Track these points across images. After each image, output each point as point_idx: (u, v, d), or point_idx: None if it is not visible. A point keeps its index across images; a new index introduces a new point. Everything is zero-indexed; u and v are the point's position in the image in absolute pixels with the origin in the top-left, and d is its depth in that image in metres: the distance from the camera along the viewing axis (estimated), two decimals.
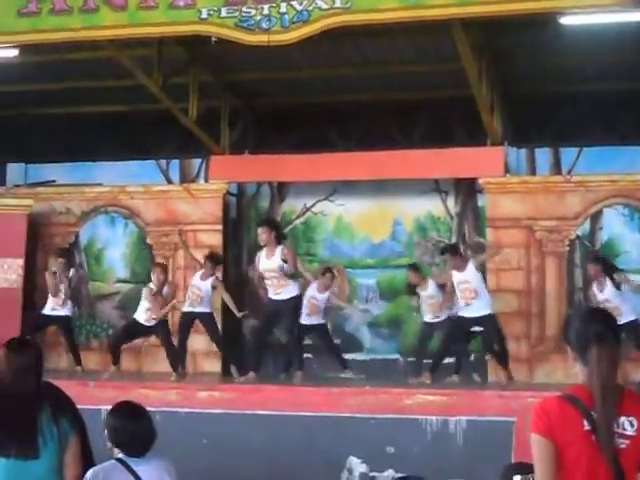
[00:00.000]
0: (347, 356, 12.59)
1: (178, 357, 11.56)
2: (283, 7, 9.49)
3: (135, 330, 11.76)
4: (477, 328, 11.14)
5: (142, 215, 14.17)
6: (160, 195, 14.16)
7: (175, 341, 11.69)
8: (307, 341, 12.13)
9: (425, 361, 11.50)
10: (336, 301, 12.38)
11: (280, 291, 10.44)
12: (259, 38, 9.64)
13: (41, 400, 4.35)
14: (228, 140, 14.14)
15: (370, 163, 13.18)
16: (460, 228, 13.77)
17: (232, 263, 14.26)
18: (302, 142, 14.00)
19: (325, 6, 9.37)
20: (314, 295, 11.81)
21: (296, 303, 10.72)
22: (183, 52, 12.48)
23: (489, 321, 10.58)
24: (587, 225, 12.88)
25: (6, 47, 11.37)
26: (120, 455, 4.69)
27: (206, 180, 14.25)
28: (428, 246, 13.89)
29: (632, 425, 3.39)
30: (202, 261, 11.88)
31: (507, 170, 13.08)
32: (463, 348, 11.63)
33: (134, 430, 4.73)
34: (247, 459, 8.92)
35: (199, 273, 11.83)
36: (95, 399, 8.75)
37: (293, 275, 10.50)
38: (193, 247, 13.17)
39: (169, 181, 14.55)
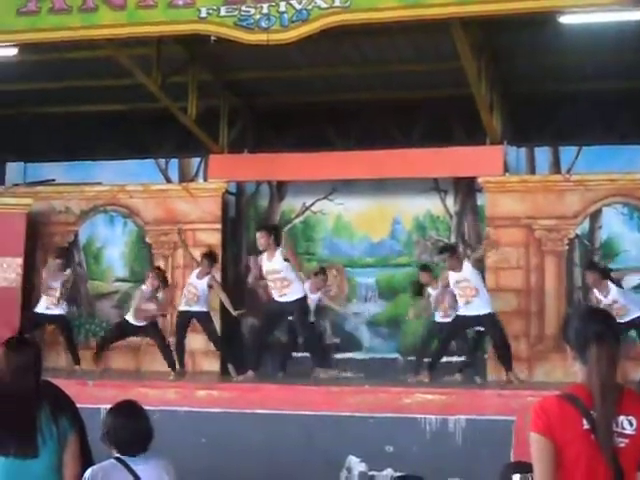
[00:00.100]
0: (346, 355, 12.60)
1: (173, 356, 11.56)
2: (282, 6, 9.49)
3: (126, 329, 11.74)
4: (478, 328, 11.16)
5: (141, 214, 14.17)
6: (159, 194, 14.15)
7: (172, 340, 11.70)
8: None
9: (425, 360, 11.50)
10: (329, 302, 12.38)
11: (285, 292, 10.42)
12: (258, 37, 9.64)
13: (40, 399, 4.35)
14: (227, 139, 14.14)
15: (369, 162, 13.18)
16: (459, 227, 13.77)
17: (231, 262, 14.26)
18: (301, 141, 14.00)
19: (324, 5, 9.37)
20: (307, 294, 11.75)
21: (302, 304, 10.70)
22: (182, 51, 12.48)
23: (490, 320, 10.56)
24: (586, 224, 12.88)
25: (5, 46, 11.36)
26: (119, 454, 4.70)
27: (205, 179, 14.25)
28: (427, 245, 13.89)
29: (631, 424, 3.39)
30: (199, 260, 11.90)
31: (506, 169, 13.08)
32: (468, 347, 11.65)
33: (132, 429, 4.73)
34: (246, 458, 8.92)
35: (196, 272, 11.83)
36: (94, 398, 8.74)
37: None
38: (192, 246, 13.15)
39: (168, 180, 14.54)
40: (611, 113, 12.91)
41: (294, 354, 12.20)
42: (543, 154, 13.39)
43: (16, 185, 14.75)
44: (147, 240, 14.14)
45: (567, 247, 12.87)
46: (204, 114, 13.31)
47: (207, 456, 9.03)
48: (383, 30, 11.13)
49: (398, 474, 8.47)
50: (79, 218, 14.40)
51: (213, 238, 13.69)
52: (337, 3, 9.31)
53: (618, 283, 11.42)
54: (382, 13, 9.37)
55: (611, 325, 3.55)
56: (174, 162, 14.60)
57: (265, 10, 9.53)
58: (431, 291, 11.71)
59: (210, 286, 11.72)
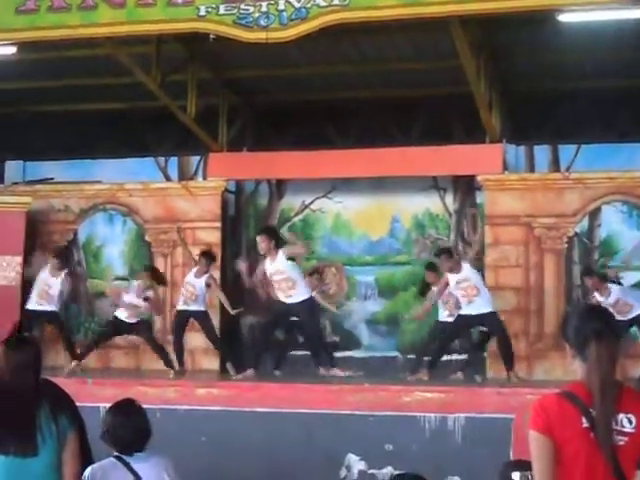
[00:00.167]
0: (346, 353, 12.60)
1: (168, 355, 11.56)
2: (281, 4, 9.49)
3: (119, 327, 11.73)
4: (480, 328, 11.17)
5: (140, 212, 14.17)
6: (158, 192, 14.15)
7: (170, 339, 11.70)
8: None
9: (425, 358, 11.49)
10: (322, 302, 12.37)
11: (291, 293, 10.38)
12: (257, 35, 9.64)
13: (40, 397, 4.35)
14: (226, 137, 14.15)
15: (368, 160, 13.19)
16: (458, 225, 13.78)
17: (230, 260, 14.24)
18: (300, 139, 13.99)
19: (323, 3, 9.38)
20: None
21: (310, 305, 10.64)
22: (181, 49, 12.48)
23: (493, 318, 10.55)
24: (585, 222, 12.89)
25: (4, 44, 11.36)
26: (118, 453, 4.71)
27: (204, 177, 14.25)
28: (426, 243, 13.89)
29: (631, 422, 3.39)
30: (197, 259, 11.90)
31: (506, 167, 13.09)
32: (471, 345, 11.66)
33: (132, 427, 4.74)
34: (246, 456, 8.92)
35: (193, 270, 11.83)
36: (93, 396, 8.74)
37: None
38: (192, 244, 13.16)
39: (167, 178, 14.55)
40: (610, 111, 12.91)
41: (291, 352, 12.20)
42: (542, 152, 13.40)
43: (15, 184, 14.75)
44: (146, 238, 14.14)
45: (566, 245, 12.88)
46: (203, 112, 13.31)
47: (207, 454, 9.03)
48: (382, 28, 11.13)
49: (397, 472, 8.46)
50: (78, 217, 14.39)
51: (212, 236, 13.69)
52: (336, 1, 9.31)
53: (618, 281, 11.44)
54: (381, 11, 9.37)
55: (610, 323, 3.55)
56: (173, 160, 14.60)
57: (264, 8, 9.53)
58: (436, 290, 11.69)
59: (208, 285, 11.71)
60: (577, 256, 12.94)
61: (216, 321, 12.68)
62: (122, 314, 11.47)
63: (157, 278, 11.83)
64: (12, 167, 15.00)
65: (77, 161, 14.74)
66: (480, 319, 10.62)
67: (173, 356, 11.57)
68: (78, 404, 4.60)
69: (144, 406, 4.97)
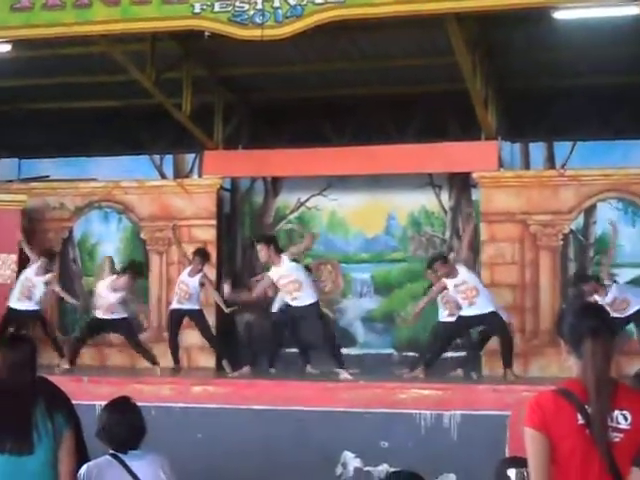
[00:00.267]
0: (341, 351, 12.57)
1: (148, 351, 11.55)
2: (277, 1, 9.48)
3: (97, 325, 11.71)
4: (481, 327, 11.16)
5: (136, 210, 14.15)
6: (154, 190, 14.13)
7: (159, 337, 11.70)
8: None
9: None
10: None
11: (296, 296, 10.36)
12: (252, 33, 9.63)
13: (36, 395, 4.34)
14: (222, 135, 14.13)
15: (364, 158, 13.18)
16: (454, 222, 13.78)
17: (226, 258, 14.25)
18: (296, 137, 13.98)
19: (319, 1, 9.37)
20: None
21: (316, 309, 10.59)
22: (176, 47, 12.46)
23: (494, 318, 10.52)
24: (581, 219, 12.89)
25: None
26: (114, 450, 4.70)
27: (200, 175, 14.23)
28: (422, 240, 13.90)
29: (626, 419, 3.40)
30: (190, 257, 11.90)
31: (501, 164, 13.09)
32: (470, 344, 11.66)
33: (128, 425, 4.74)
34: (242, 453, 8.92)
35: (187, 269, 11.83)
36: (89, 394, 8.75)
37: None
38: (187, 242, 13.16)
39: (163, 176, 14.53)
40: (606, 108, 12.91)
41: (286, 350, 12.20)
42: (538, 149, 13.40)
43: (10, 181, 14.72)
44: (142, 236, 14.13)
45: (562, 242, 12.88)
46: (199, 110, 13.30)
47: (203, 452, 9.04)
48: (378, 25, 11.11)
49: (393, 470, 8.47)
50: (74, 214, 14.38)
51: (208, 234, 13.69)
52: None
53: (613, 279, 11.45)
54: (377, 8, 9.37)
55: (605, 320, 3.56)
56: (169, 158, 14.58)
57: (259, 6, 9.52)
58: (428, 296, 11.65)
59: (202, 284, 11.71)
60: (572, 253, 12.95)
61: (212, 319, 12.68)
62: (98, 312, 11.48)
63: (136, 271, 11.80)
64: (7, 165, 14.97)
65: (72, 159, 14.71)
66: (481, 319, 10.60)
67: (161, 355, 11.59)
68: (74, 402, 4.60)
69: (139, 404, 4.97)
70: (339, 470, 8.93)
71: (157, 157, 14.58)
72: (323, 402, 9.22)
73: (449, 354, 11.46)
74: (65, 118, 14.61)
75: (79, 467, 4.46)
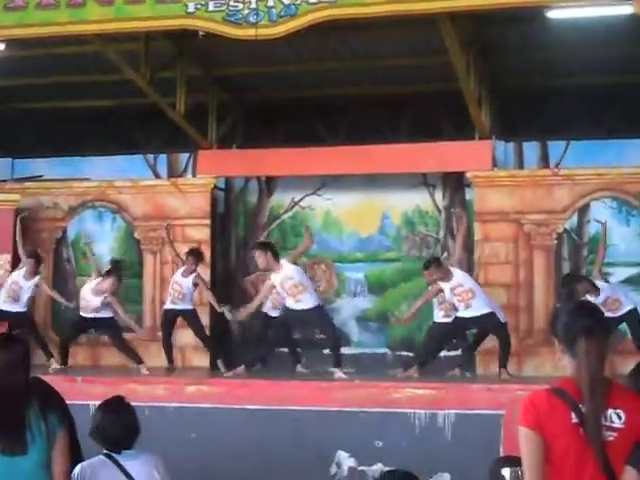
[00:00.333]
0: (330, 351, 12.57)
1: (133, 351, 11.53)
2: (270, 1, 9.47)
3: (81, 324, 11.71)
4: (476, 329, 11.19)
5: (130, 210, 14.13)
6: (148, 190, 14.11)
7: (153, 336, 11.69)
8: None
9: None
10: None
11: (300, 298, 10.39)
12: (247, 32, 9.62)
13: (29, 396, 4.33)
14: (216, 134, 14.12)
15: (358, 157, 13.17)
16: (448, 222, 13.78)
17: (220, 258, 14.24)
18: (290, 136, 13.98)
19: (312, 0, 9.36)
20: (279, 290, 11.65)
21: (319, 312, 10.69)
22: (170, 46, 12.45)
23: (491, 319, 10.53)
24: (575, 218, 12.91)
25: None
26: (108, 450, 4.70)
27: (194, 175, 14.21)
28: (416, 240, 13.90)
29: (620, 417, 3.40)
30: (184, 257, 11.89)
31: (495, 164, 13.09)
32: (467, 345, 11.67)
33: (122, 425, 4.74)
34: (236, 453, 8.92)
35: (181, 270, 11.83)
36: (83, 394, 8.74)
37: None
38: (181, 242, 13.16)
39: (157, 176, 14.50)
40: (599, 108, 12.92)
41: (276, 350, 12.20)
42: (531, 149, 13.40)
43: (4, 181, 14.69)
44: (136, 236, 14.10)
45: (556, 242, 12.89)
46: (193, 109, 13.29)
47: (197, 451, 9.03)
48: (371, 25, 11.11)
49: (388, 469, 8.47)
50: (67, 214, 14.35)
51: (202, 234, 13.67)
52: None
53: (605, 279, 11.47)
54: (370, 8, 9.37)
55: (599, 319, 3.57)
56: (163, 158, 14.56)
57: (253, 5, 9.51)
58: (422, 299, 11.64)
59: (195, 284, 11.71)
60: (567, 252, 12.96)
61: (206, 319, 12.69)
62: (84, 311, 11.48)
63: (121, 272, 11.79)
64: (0, 164, 14.93)
65: (66, 158, 14.67)
66: (477, 321, 10.62)
67: (155, 354, 11.58)
68: (68, 402, 4.59)
69: (133, 403, 4.97)
70: (333, 469, 8.93)
71: (151, 156, 14.55)
72: (317, 402, 9.22)
73: (444, 353, 11.46)
74: (59, 118, 14.59)
75: (73, 467, 4.45)
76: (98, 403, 4.97)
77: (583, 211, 12.87)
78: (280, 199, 14.40)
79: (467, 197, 13.59)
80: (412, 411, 8.90)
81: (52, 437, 4.28)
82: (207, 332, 12.45)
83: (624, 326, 11.35)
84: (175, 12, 9.77)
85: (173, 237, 12.98)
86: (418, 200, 13.91)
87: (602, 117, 12.95)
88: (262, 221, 14.41)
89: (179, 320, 12.00)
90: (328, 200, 14.12)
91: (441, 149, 13.05)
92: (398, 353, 13.38)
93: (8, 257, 13.39)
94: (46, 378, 4.65)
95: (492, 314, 10.52)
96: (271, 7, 9.48)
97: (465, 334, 11.69)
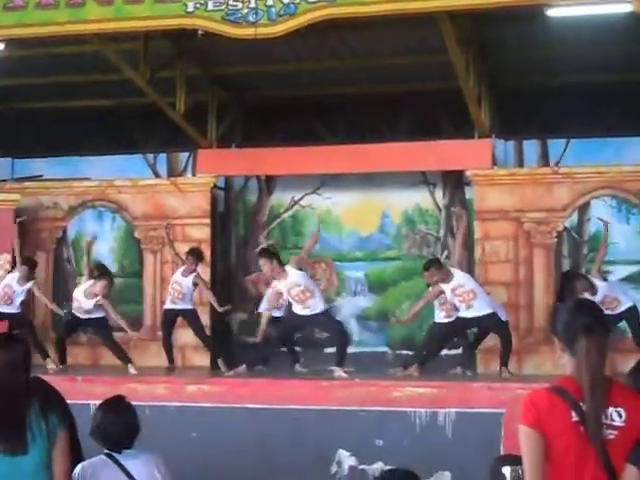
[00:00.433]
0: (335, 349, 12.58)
1: (123, 351, 11.53)
2: (270, 0, 9.47)
3: (76, 324, 11.71)
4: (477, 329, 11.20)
5: (130, 209, 14.13)
6: (148, 189, 14.11)
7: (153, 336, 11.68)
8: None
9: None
10: None
11: (308, 304, 10.39)
12: (246, 31, 9.62)
13: (30, 396, 4.33)
14: (215, 134, 14.12)
15: (357, 156, 13.17)
16: (448, 220, 13.77)
17: (220, 257, 14.24)
18: (290, 135, 13.98)
19: None
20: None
21: (328, 315, 10.78)
22: (170, 46, 12.45)
23: (493, 319, 10.53)
24: (575, 217, 12.91)
25: None
26: (109, 450, 4.70)
27: (194, 174, 14.21)
28: (416, 239, 13.90)
29: (620, 416, 3.40)
30: (184, 257, 11.88)
31: (495, 162, 13.09)
32: (468, 343, 11.67)
33: (122, 424, 4.74)
34: (237, 452, 8.92)
35: (181, 269, 11.83)
36: (84, 394, 8.73)
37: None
38: (181, 241, 13.17)
39: (157, 175, 14.50)
40: (599, 106, 12.91)
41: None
42: (531, 147, 13.41)
43: (4, 181, 14.69)
44: (136, 235, 14.11)
45: (556, 240, 12.89)
46: (192, 109, 13.29)
47: (197, 451, 9.03)
48: (370, 24, 11.11)
49: (388, 468, 8.48)
50: (67, 214, 14.35)
51: (202, 233, 13.67)
52: None
53: (603, 277, 11.47)
54: (369, 7, 9.37)
55: (599, 317, 3.57)
56: (162, 157, 14.56)
57: (252, 4, 9.51)
58: (423, 300, 11.62)
59: (195, 284, 11.70)
60: (566, 251, 12.97)
61: (206, 318, 12.69)
62: (76, 311, 11.49)
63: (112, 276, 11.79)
64: (0, 164, 14.93)
65: (66, 158, 14.67)
66: (479, 321, 10.62)
67: (155, 354, 11.57)
68: (68, 401, 4.59)
69: (134, 403, 4.97)
70: (334, 468, 8.93)
71: (151, 156, 14.55)
72: (318, 400, 9.21)
73: (444, 352, 11.47)
74: (58, 117, 14.58)
75: (74, 467, 4.45)
76: (99, 403, 4.97)
77: (583, 209, 12.87)
78: (280, 198, 14.40)
79: (467, 195, 13.59)
80: (412, 410, 8.90)
81: (53, 437, 4.28)
82: (207, 332, 12.44)
83: (624, 324, 11.36)
84: (174, 11, 9.77)
85: (173, 237, 12.98)
86: (418, 199, 13.91)
87: (602, 115, 12.94)
88: (262, 220, 14.42)
89: (179, 320, 12.00)
90: (328, 199, 14.11)
91: (441, 148, 13.05)
92: (398, 352, 13.38)
93: (8, 257, 13.39)
94: (46, 378, 4.65)
95: (493, 314, 10.52)
96: (270, 6, 9.47)
97: (466, 333, 11.70)
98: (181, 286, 11.67)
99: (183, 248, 12.39)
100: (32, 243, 14.13)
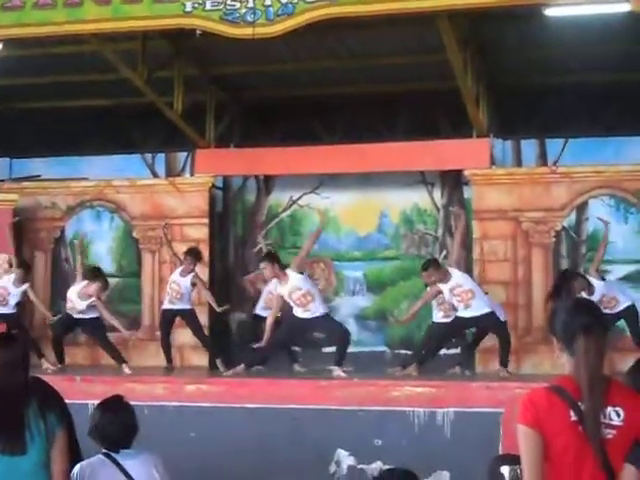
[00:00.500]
0: (334, 349, 12.58)
1: (116, 351, 11.53)
2: (268, 0, 9.47)
3: (70, 324, 11.71)
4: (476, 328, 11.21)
5: (128, 209, 14.12)
6: (146, 189, 14.10)
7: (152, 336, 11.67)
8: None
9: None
10: None
11: (310, 307, 10.42)
12: (244, 31, 9.62)
13: (28, 395, 4.33)
14: (214, 133, 14.11)
15: (356, 156, 13.17)
16: (446, 220, 13.77)
17: (218, 257, 14.24)
18: (288, 135, 13.98)
19: None
20: (272, 290, 11.63)
21: (329, 317, 10.79)
22: (168, 45, 12.44)
23: (491, 318, 10.54)
24: (573, 216, 12.91)
25: None
26: (107, 450, 4.70)
27: (192, 174, 14.20)
28: (415, 238, 13.90)
29: (618, 415, 3.40)
30: (182, 257, 11.88)
31: (493, 162, 13.09)
32: (466, 343, 11.68)
33: (121, 424, 4.74)
34: (235, 452, 8.92)
35: (179, 269, 11.82)
36: (82, 394, 8.74)
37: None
38: (179, 241, 13.17)
39: (155, 175, 14.50)
40: (597, 105, 12.93)
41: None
42: (529, 146, 13.41)
43: (2, 181, 14.68)
44: (134, 235, 14.10)
45: (554, 239, 12.89)
46: (190, 108, 13.28)
47: (196, 451, 9.03)
48: (368, 23, 11.10)
49: (387, 467, 8.47)
50: (65, 214, 14.34)
51: (200, 233, 13.67)
52: None
53: (601, 277, 11.47)
54: (367, 6, 9.37)
55: (598, 316, 3.57)
56: (161, 157, 14.56)
57: (250, 4, 9.51)
58: (422, 300, 11.62)
59: (194, 284, 11.70)
60: (565, 250, 12.97)
61: (205, 318, 12.68)
62: (70, 311, 11.49)
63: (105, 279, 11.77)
64: None
65: (64, 158, 14.67)
66: (477, 320, 10.63)
67: (153, 354, 11.55)
68: (67, 401, 4.59)
69: (133, 403, 4.97)
70: (333, 468, 8.94)
71: (149, 156, 14.55)
72: (317, 400, 9.22)
73: (443, 351, 11.48)
74: (56, 117, 14.58)
75: (72, 466, 4.46)
76: (97, 402, 4.97)
77: (581, 209, 12.87)
78: (278, 198, 14.40)
79: (465, 195, 13.60)
80: (411, 409, 8.91)
81: (51, 436, 4.28)
82: (206, 332, 12.44)
83: (622, 323, 11.37)
84: (172, 11, 9.77)
85: (171, 237, 12.98)
86: (416, 198, 13.91)
87: (600, 115, 12.96)
88: (260, 220, 14.41)
89: (177, 320, 12.00)
90: (326, 199, 14.10)
91: (439, 147, 13.05)
92: (397, 352, 13.38)
93: (6, 257, 13.37)
94: (45, 378, 4.65)
95: (492, 313, 10.53)
96: (268, 6, 9.47)
97: (464, 333, 11.71)
98: (179, 286, 11.67)
99: (181, 248, 12.40)
100: (30, 243, 14.14)
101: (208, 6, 9.62)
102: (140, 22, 10.11)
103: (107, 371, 11.45)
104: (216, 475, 8.78)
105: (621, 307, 11.17)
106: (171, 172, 14.47)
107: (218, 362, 11.68)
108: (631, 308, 11.28)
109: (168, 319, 11.91)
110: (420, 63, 12.65)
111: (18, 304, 12.04)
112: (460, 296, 10.47)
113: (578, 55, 12.26)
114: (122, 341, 12.76)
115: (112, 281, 13.67)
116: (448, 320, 11.06)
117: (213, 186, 13.99)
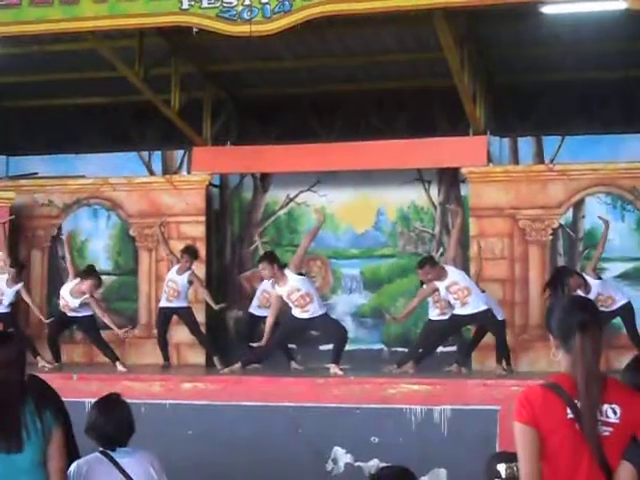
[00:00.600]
0: (331, 347, 12.58)
1: (110, 349, 11.52)
2: None
3: (64, 322, 11.70)
4: (473, 325, 11.21)
5: (125, 207, 14.11)
6: (143, 187, 14.08)
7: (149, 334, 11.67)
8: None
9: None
10: None
11: (309, 308, 10.42)
12: (241, 29, 9.62)
13: (25, 393, 4.33)
14: (211, 131, 14.10)
15: (353, 153, 13.17)
16: (443, 218, 13.78)
17: (215, 255, 14.23)
18: (285, 133, 13.98)
19: None
20: (267, 289, 11.65)
21: (327, 317, 10.79)
22: (164, 43, 12.43)
23: (487, 316, 10.56)
24: (570, 214, 12.91)
25: None
26: (103, 448, 4.70)
27: (189, 171, 14.20)
28: (412, 236, 13.90)
29: (615, 413, 3.40)
30: (179, 255, 11.87)
31: (490, 159, 13.09)
32: (463, 341, 11.68)
33: (117, 422, 4.74)
34: (232, 450, 8.93)
35: (175, 267, 11.81)
36: (79, 392, 8.74)
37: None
38: (176, 239, 13.16)
39: (151, 173, 14.49)
40: (593, 103, 12.94)
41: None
42: (526, 144, 13.42)
43: None
44: (131, 233, 14.08)
45: (551, 237, 12.89)
46: (187, 106, 13.27)
47: (193, 448, 9.04)
48: (366, 21, 11.11)
49: (384, 465, 8.47)
50: (62, 211, 14.31)
51: (197, 231, 13.65)
52: None
53: (597, 275, 11.47)
54: (364, 4, 9.37)
55: (594, 314, 3.57)
56: (157, 155, 14.54)
57: (247, 1, 9.50)
58: (418, 297, 11.62)
59: (191, 282, 11.69)
60: (562, 248, 12.97)
61: (201, 316, 12.67)
62: (63, 309, 11.49)
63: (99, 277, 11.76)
64: None
65: (60, 156, 14.65)
66: (473, 318, 10.65)
67: (151, 352, 11.54)
68: (63, 399, 4.59)
69: (129, 401, 4.97)
70: (330, 466, 8.95)
71: (145, 153, 14.54)
72: (313, 398, 9.22)
73: (440, 349, 11.48)
74: (53, 115, 14.57)
75: (69, 464, 4.45)
76: (93, 400, 4.97)
77: (578, 206, 12.87)
78: (275, 196, 14.39)
79: (462, 193, 13.60)
80: (408, 407, 8.92)
81: (48, 434, 4.28)
82: (202, 329, 12.44)
83: (619, 320, 11.37)
84: (169, 9, 9.76)
85: (168, 235, 12.97)
86: (413, 196, 13.90)
87: (597, 112, 12.97)
88: (257, 218, 14.40)
89: (174, 317, 12.00)
90: (323, 196, 14.10)
91: (436, 145, 13.04)
92: (394, 349, 13.38)
93: (3, 255, 13.35)
94: (42, 376, 4.65)
95: (488, 310, 10.54)
96: (265, 3, 9.47)
97: (461, 331, 11.71)
98: (176, 284, 11.66)
99: (178, 246, 12.39)
100: (27, 241, 14.12)
101: (205, 3, 9.62)
102: (137, 20, 10.10)
103: (104, 369, 11.45)
104: (213, 473, 8.79)
105: (617, 305, 11.19)
106: (168, 170, 14.46)
107: (215, 360, 11.67)
108: (627, 306, 11.30)
109: (165, 317, 11.91)
110: (417, 61, 12.67)
111: (12, 304, 12.02)
112: (456, 294, 10.48)
113: (575, 53, 12.27)
114: (119, 339, 12.77)
115: (109, 279, 13.75)
116: (444, 318, 11.06)
117: (210, 184, 13.98)
